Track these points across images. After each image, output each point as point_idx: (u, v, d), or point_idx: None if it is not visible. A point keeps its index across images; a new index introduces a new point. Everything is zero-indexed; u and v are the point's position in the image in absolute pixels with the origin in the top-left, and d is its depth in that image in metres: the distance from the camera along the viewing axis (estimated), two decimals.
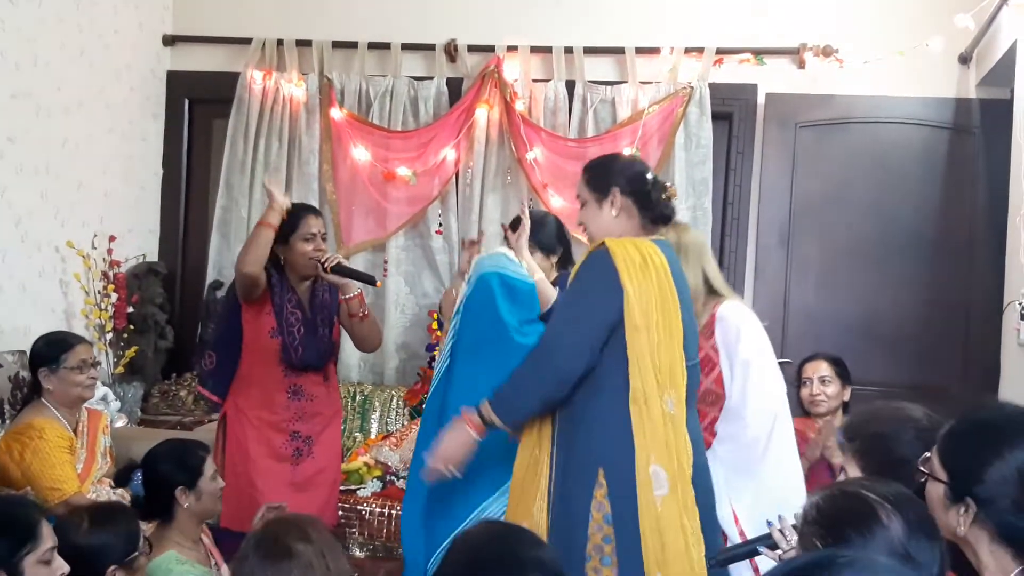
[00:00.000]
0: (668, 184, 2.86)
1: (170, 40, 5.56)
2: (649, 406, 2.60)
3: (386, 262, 5.32)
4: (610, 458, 2.62)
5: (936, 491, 1.84)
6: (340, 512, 4.16)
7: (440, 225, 5.29)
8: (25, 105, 4.36)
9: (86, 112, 4.83)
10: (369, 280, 3.70)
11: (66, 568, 2.32)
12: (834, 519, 1.76)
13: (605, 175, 2.81)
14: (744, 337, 3.10)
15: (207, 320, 5.24)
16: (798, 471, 3.13)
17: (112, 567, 2.56)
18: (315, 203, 5.20)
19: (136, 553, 2.64)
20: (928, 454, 1.90)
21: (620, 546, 2.58)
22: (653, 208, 2.78)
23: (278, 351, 3.64)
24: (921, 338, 4.96)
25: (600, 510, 2.60)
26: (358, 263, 5.32)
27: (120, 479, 3.03)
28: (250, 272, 3.53)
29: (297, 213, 3.71)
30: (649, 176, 2.80)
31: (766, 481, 3.03)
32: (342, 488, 4.17)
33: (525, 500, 2.76)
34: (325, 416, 3.79)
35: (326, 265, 3.60)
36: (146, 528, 2.92)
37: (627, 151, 4.96)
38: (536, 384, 2.69)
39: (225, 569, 3.01)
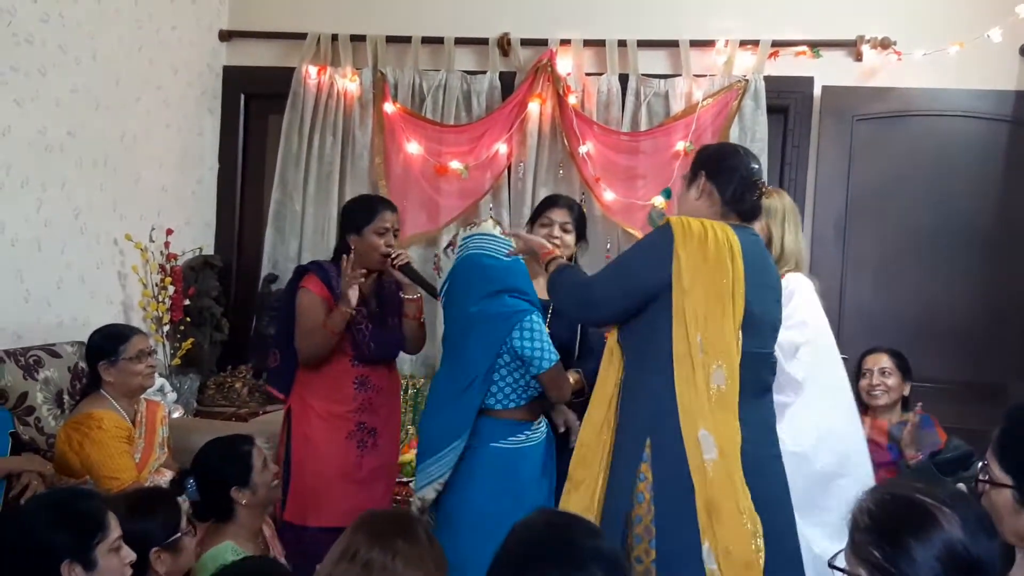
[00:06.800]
0: (761, 183, 2.82)
1: (226, 35, 5.61)
2: (695, 372, 2.57)
3: (437, 256, 5.31)
4: (658, 428, 2.60)
5: (1001, 497, 1.78)
6: (393, 505, 4.06)
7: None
8: (84, 100, 4.42)
9: (144, 107, 4.89)
10: (431, 291, 3.67)
11: (133, 556, 2.35)
12: (890, 525, 1.66)
13: (699, 159, 2.86)
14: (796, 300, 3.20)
15: (262, 313, 5.28)
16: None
17: (155, 549, 2.58)
18: None
19: (178, 534, 2.66)
20: (983, 463, 1.85)
21: (659, 515, 2.56)
22: (733, 201, 2.76)
23: (345, 344, 3.62)
24: (979, 335, 4.87)
25: (644, 480, 2.59)
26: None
27: (175, 488, 3.05)
28: (306, 360, 3.67)
29: (374, 206, 3.70)
30: (743, 171, 2.77)
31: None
32: (396, 480, 4.11)
33: (587, 473, 2.77)
34: (389, 407, 3.77)
35: (395, 262, 3.60)
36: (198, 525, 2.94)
37: (680, 145, 4.95)
38: (568, 300, 2.90)
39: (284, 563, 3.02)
